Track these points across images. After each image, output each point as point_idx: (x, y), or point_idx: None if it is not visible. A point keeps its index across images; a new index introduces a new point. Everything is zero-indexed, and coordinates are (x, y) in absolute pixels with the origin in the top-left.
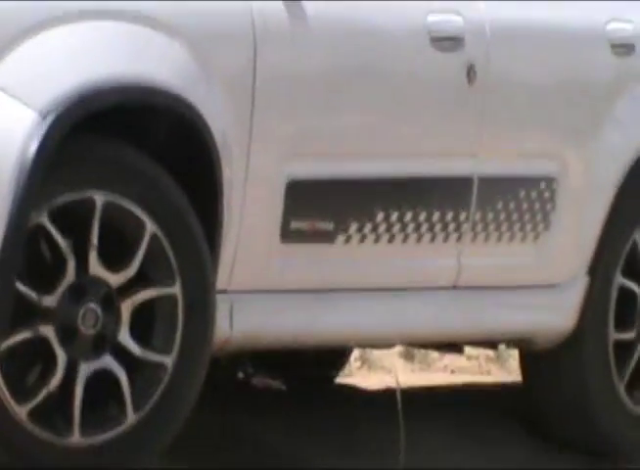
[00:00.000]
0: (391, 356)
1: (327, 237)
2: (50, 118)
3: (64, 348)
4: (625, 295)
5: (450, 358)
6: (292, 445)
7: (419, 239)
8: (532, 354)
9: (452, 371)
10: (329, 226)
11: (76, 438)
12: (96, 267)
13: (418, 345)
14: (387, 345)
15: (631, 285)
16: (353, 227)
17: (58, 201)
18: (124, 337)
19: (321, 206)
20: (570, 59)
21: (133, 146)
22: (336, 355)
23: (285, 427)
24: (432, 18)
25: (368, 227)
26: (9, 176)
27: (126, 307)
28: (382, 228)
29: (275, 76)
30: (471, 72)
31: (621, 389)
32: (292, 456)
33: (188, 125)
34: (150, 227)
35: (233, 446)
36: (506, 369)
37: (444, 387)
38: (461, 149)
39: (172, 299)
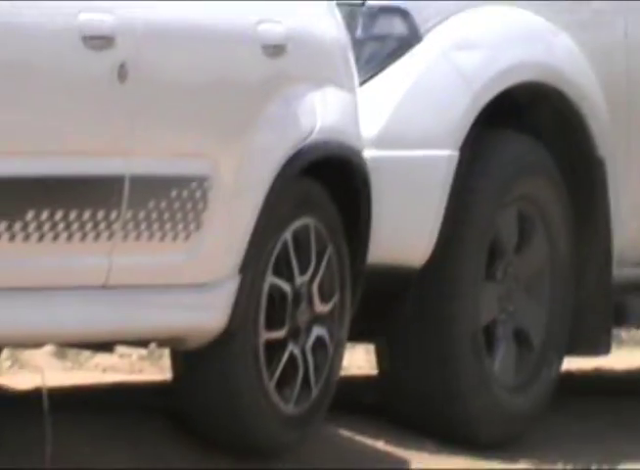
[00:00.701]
0: (43, 355)
1: None
2: None
3: None
4: (276, 293)
5: (102, 357)
6: None
7: (69, 238)
8: (184, 353)
9: (104, 370)
10: None
11: None
12: None
13: (69, 344)
14: (36, 344)
15: (282, 284)
16: (2, 226)
17: None
18: None
19: None
20: (221, 59)
21: None
22: None
23: None
24: (83, 16)
25: (18, 226)
26: None
27: None
28: (32, 227)
29: None
30: (122, 71)
31: (271, 388)
32: None
33: None
34: None
35: None
36: (159, 367)
37: (95, 386)
38: (112, 148)
39: None
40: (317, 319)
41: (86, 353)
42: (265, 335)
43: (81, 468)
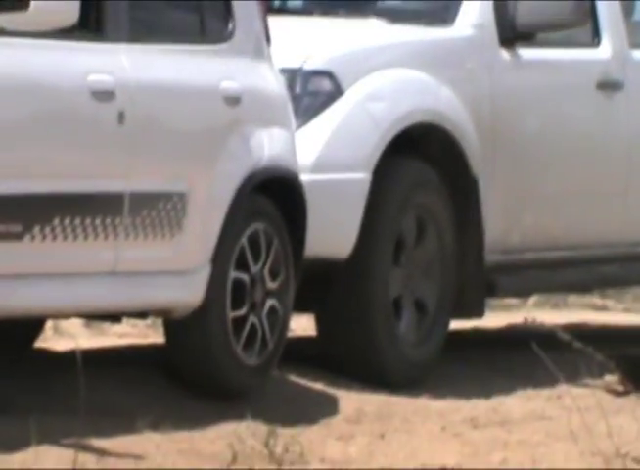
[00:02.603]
0: (76, 325)
1: (16, 236)
2: None
3: None
4: (238, 282)
5: (118, 326)
6: None
7: (86, 237)
8: (173, 322)
9: (120, 336)
10: (18, 228)
11: None
12: None
13: (89, 316)
14: (67, 316)
15: (241, 275)
16: (37, 229)
17: None
18: None
19: (11, 213)
20: (192, 108)
21: None
22: (32, 325)
23: None
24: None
25: (48, 229)
26: None
27: None
28: (57, 229)
29: None
30: (120, 117)
31: (239, 348)
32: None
33: None
34: None
35: None
36: (160, 333)
37: (115, 348)
38: (114, 172)
39: None
40: (269, 293)
41: (107, 323)
42: (231, 314)
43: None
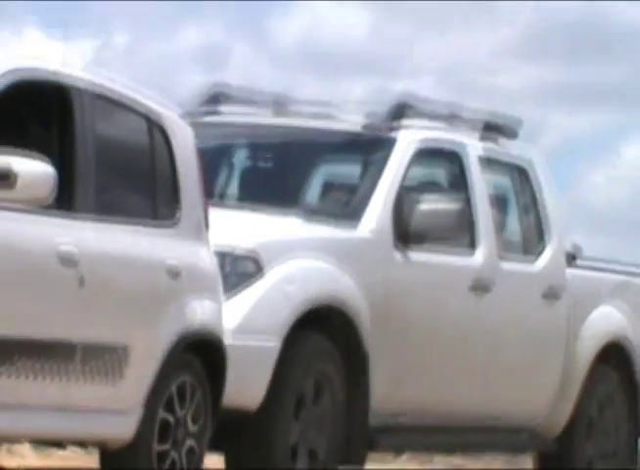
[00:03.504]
0: (25, 448)
1: None
2: None
3: None
4: (165, 422)
5: (62, 451)
6: None
7: (43, 378)
8: (107, 451)
9: (63, 459)
10: None
11: None
12: None
13: (38, 442)
14: (15, 441)
15: (168, 416)
16: (3, 367)
17: None
18: None
19: None
20: (141, 277)
21: None
22: None
23: None
24: (60, 247)
25: (12, 368)
26: None
27: None
28: (21, 368)
29: None
30: (81, 280)
31: None
32: None
33: None
34: None
35: None
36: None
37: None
38: (70, 325)
39: None
40: (189, 434)
41: (52, 448)
42: (157, 447)
43: None
